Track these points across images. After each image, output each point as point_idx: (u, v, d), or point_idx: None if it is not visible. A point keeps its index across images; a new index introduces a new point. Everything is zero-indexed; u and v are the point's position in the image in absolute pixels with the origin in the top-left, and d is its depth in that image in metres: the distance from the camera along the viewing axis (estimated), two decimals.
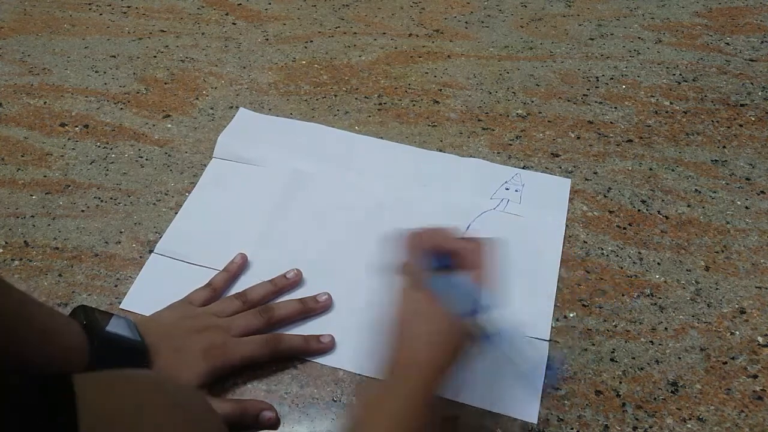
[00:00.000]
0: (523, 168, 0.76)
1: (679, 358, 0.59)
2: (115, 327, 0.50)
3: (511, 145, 0.79)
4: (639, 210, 0.72)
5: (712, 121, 0.83)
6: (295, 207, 0.70)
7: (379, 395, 0.45)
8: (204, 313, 0.57)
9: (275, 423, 0.53)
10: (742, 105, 0.85)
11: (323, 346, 0.58)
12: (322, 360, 0.58)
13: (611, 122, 0.82)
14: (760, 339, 0.60)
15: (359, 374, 0.57)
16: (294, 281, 0.62)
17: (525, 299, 0.62)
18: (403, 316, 0.48)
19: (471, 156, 0.77)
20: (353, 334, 0.60)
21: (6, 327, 0.42)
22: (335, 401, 0.55)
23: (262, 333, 0.57)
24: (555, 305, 0.62)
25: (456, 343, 0.46)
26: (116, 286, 0.63)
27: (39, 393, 0.37)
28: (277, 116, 0.82)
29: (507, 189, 0.73)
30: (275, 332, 0.58)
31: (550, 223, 0.70)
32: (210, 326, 0.55)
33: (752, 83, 0.89)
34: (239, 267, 0.63)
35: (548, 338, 0.59)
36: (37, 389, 0.37)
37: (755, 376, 0.57)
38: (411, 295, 0.48)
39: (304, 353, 0.58)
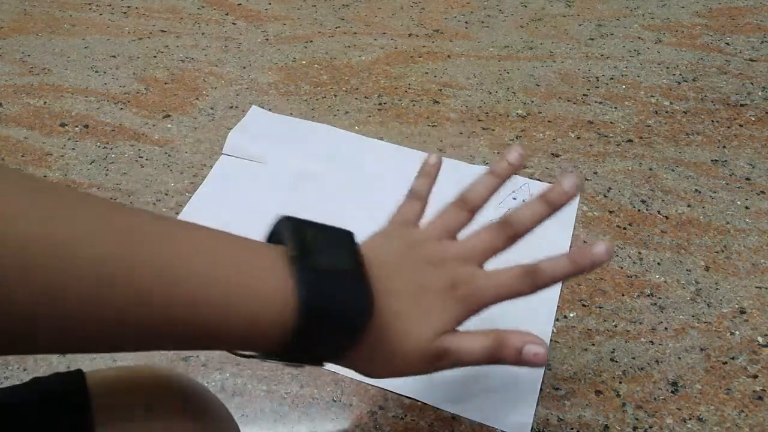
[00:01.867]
0: (523, 168, 0.75)
1: (679, 358, 0.59)
2: (328, 260, 0.32)
3: (511, 145, 0.79)
4: (639, 210, 0.72)
5: (712, 121, 0.83)
6: (301, 206, 0.70)
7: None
8: (430, 238, 0.42)
9: (543, 360, 0.38)
10: (742, 105, 0.85)
11: (600, 254, 0.39)
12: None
13: (611, 122, 0.82)
14: (760, 339, 0.60)
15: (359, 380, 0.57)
16: (519, 164, 0.45)
17: (525, 310, 0.62)
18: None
19: (471, 156, 0.77)
20: None
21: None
22: (335, 401, 0.55)
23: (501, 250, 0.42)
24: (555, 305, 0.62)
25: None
26: None
27: (53, 389, 0.37)
28: (290, 115, 0.82)
29: (515, 199, 0.72)
30: (528, 264, 0.40)
31: (557, 235, 0.69)
32: (447, 256, 0.41)
33: (752, 83, 0.88)
34: (437, 167, 0.48)
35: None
36: (51, 385, 0.37)
37: (755, 376, 0.57)
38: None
39: (577, 273, 0.40)
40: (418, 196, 0.46)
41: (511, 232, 0.41)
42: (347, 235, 0.35)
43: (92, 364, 0.57)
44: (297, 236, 0.33)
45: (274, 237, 0.34)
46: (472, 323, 0.40)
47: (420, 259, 0.40)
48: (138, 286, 0.25)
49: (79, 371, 0.37)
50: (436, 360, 0.38)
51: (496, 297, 0.40)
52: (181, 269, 0.27)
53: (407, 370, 0.38)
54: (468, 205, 0.44)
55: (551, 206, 0.41)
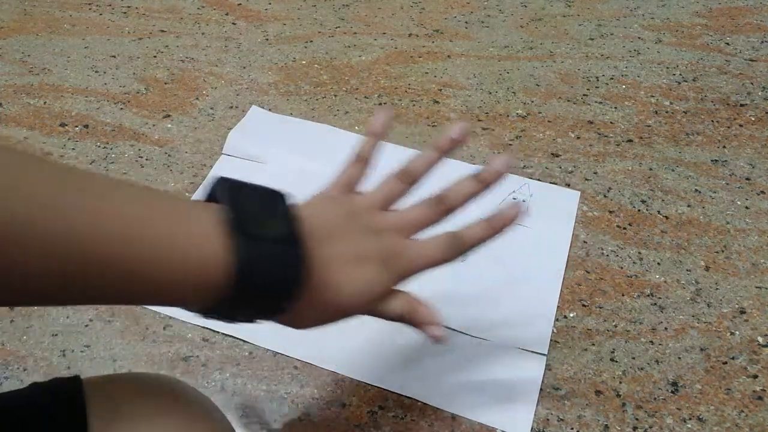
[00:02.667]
0: (523, 168, 0.76)
1: (679, 358, 0.59)
2: (272, 228, 0.33)
3: (511, 145, 0.79)
4: (639, 210, 0.72)
5: (712, 121, 0.83)
6: None
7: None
8: (371, 207, 0.44)
9: (441, 341, 0.43)
10: (742, 105, 0.85)
11: (510, 215, 0.44)
12: (325, 365, 0.58)
13: (611, 122, 0.82)
14: (760, 339, 0.60)
15: (359, 380, 0.57)
16: (460, 139, 0.46)
17: (524, 311, 0.62)
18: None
19: (471, 156, 0.77)
20: (355, 338, 0.60)
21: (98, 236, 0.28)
22: (335, 401, 0.55)
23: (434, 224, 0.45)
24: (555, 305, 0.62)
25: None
26: None
27: (49, 395, 0.37)
28: (290, 115, 0.82)
29: (514, 199, 0.72)
30: (451, 232, 0.44)
31: (556, 236, 0.68)
32: (383, 228, 0.43)
33: (752, 83, 0.89)
34: (385, 125, 0.47)
35: (545, 352, 0.59)
36: (47, 391, 0.38)
37: (755, 376, 0.57)
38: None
39: (493, 236, 0.44)
40: (362, 159, 0.47)
41: (443, 207, 0.44)
42: (284, 199, 0.36)
43: (92, 364, 0.57)
44: (234, 200, 0.33)
45: (211, 199, 0.35)
46: None
47: (358, 226, 0.42)
48: (73, 229, 0.26)
49: (76, 377, 0.38)
50: (357, 313, 0.41)
51: (425, 266, 0.43)
52: (117, 218, 0.28)
53: (332, 321, 0.40)
54: (408, 178, 0.46)
55: (483, 184, 0.45)
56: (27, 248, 0.25)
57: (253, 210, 0.34)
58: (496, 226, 0.44)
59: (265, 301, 0.34)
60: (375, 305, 0.41)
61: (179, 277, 0.30)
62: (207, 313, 0.34)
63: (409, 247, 0.43)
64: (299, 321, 0.39)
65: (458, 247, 0.44)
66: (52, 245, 0.26)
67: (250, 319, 0.35)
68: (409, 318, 0.42)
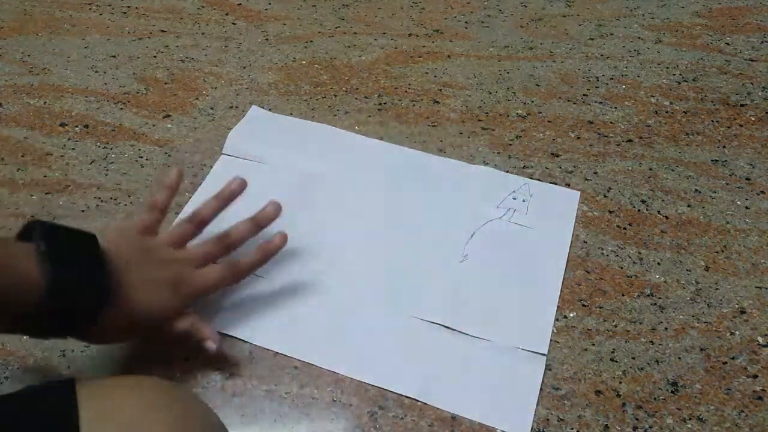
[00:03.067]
0: (523, 168, 0.76)
1: (679, 358, 0.59)
2: (74, 254, 0.44)
3: (511, 145, 0.79)
4: (639, 210, 0.72)
5: (712, 121, 0.83)
6: (300, 207, 0.70)
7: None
8: (161, 245, 0.55)
9: (212, 350, 0.54)
10: (742, 105, 0.85)
11: (277, 244, 0.59)
12: (325, 365, 0.58)
13: (611, 122, 0.82)
14: (760, 339, 0.60)
15: (359, 380, 0.57)
16: (237, 190, 0.60)
17: (524, 311, 0.62)
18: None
19: (471, 156, 0.77)
20: (353, 337, 0.60)
21: None
22: (335, 401, 0.55)
23: (222, 258, 0.57)
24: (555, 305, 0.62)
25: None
26: None
27: (41, 397, 0.38)
28: (290, 115, 0.82)
29: (514, 199, 0.72)
30: (230, 260, 0.57)
31: (556, 236, 0.68)
32: (173, 260, 0.54)
33: (752, 83, 0.89)
34: (177, 182, 0.59)
35: (545, 352, 0.58)
36: (41, 393, 0.38)
37: (755, 376, 0.57)
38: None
39: (264, 261, 0.59)
40: (157, 208, 0.57)
41: (227, 242, 0.57)
42: (90, 237, 0.46)
43: (92, 364, 0.57)
44: (46, 235, 0.43)
45: (25, 235, 0.44)
46: None
47: (152, 259, 0.52)
48: None
49: (71, 380, 0.39)
50: (150, 331, 0.52)
51: (208, 289, 0.55)
52: None
53: (129, 337, 0.54)
54: (194, 220, 0.57)
55: (258, 226, 0.59)
56: None
57: (63, 243, 0.44)
58: (268, 251, 0.59)
59: (74, 316, 0.43)
60: (167, 323, 0.52)
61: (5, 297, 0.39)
62: (28, 327, 0.43)
63: (194, 275, 0.54)
64: (101, 336, 0.48)
65: (235, 274, 0.56)
66: None
67: (62, 334, 0.45)
68: (194, 334, 0.53)
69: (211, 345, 0.53)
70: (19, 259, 0.41)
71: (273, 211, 0.60)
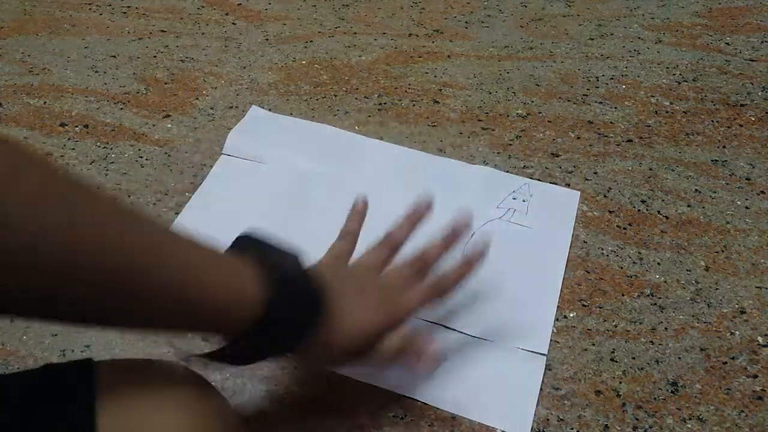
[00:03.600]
0: (523, 168, 0.76)
1: (679, 358, 0.59)
2: (294, 268, 0.43)
3: (511, 145, 0.79)
4: (639, 210, 0.72)
5: (712, 121, 0.83)
6: (300, 207, 0.70)
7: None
8: (363, 270, 0.54)
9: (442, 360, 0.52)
10: (742, 105, 0.85)
11: (478, 253, 0.55)
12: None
13: (611, 122, 0.82)
14: (760, 339, 0.60)
15: (360, 380, 0.57)
16: (422, 212, 0.58)
17: (524, 311, 0.62)
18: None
19: (471, 156, 0.77)
20: None
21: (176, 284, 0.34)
22: (335, 401, 0.55)
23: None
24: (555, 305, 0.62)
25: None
26: None
27: (61, 376, 0.38)
28: (290, 115, 0.82)
29: (514, 199, 0.72)
30: (433, 281, 0.54)
31: (556, 236, 0.68)
32: (376, 285, 0.52)
33: (752, 83, 0.89)
34: (365, 208, 0.59)
35: (545, 352, 0.58)
36: (59, 372, 0.38)
37: (755, 376, 0.57)
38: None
39: (469, 273, 0.55)
40: (351, 236, 0.57)
41: (421, 265, 0.54)
42: (298, 256, 0.45)
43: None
44: (262, 252, 0.42)
45: (238, 246, 0.43)
46: None
47: (357, 284, 0.51)
48: (159, 279, 0.33)
49: (89, 360, 0.39)
50: (361, 354, 0.48)
51: (412, 310, 0.52)
52: (180, 268, 0.35)
53: (341, 361, 0.49)
54: (390, 245, 0.56)
55: (450, 243, 0.55)
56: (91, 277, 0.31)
57: (278, 261, 0.42)
58: (471, 263, 0.55)
59: (291, 331, 0.41)
60: (374, 341, 0.48)
61: (219, 315, 0.37)
62: (238, 346, 0.41)
63: (400, 299, 0.51)
64: (313, 356, 0.46)
65: (440, 289, 0.53)
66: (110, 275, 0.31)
67: (272, 352, 0.43)
68: (410, 346, 0.50)
69: (437, 349, 0.50)
70: (238, 275, 0.39)
71: (464, 223, 0.56)
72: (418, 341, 0.50)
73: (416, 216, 0.58)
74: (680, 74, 0.90)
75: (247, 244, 0.43)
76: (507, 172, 0.75)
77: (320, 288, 0.44)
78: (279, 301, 0.39)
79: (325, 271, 0.48)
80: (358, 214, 0.59)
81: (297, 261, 0.44)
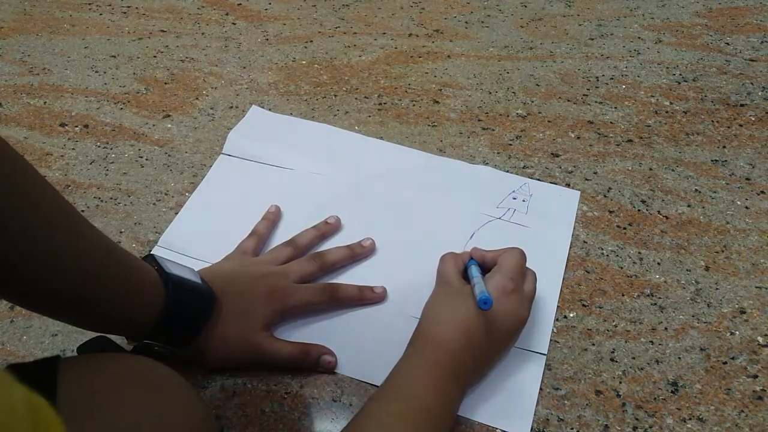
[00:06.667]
0: (523, 168, 0.76)
1: (679, 358, 0.59)
2: (180, 272, 0.51)
3: (511, 145, 0.79)
4: (639, 210, 0.72)
5: (712, 121, 0.83)
6: (300, 207, 0.70)
7: (398, 367, 0.50)
8: (261, 261, 0.60)
9: (334, 367, 0.56)
10: (742, 105, 0.85)
11: (376, 296, 0.61)
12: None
13: (611, 122, 0.82)
14: (760, 339, 0.60)
15: (360, 380, 0.57)
16: (335, 226, 0.66)
17: None
18: (434, 301, 0.55)
19: (471, 156, 0.77)
20: (356, 337, 0.60)
21: (97, 264, 0.44)
22: (335, 401, 0.55)
23: (317, 278, 0.61)
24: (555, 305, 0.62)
25: (476, 333, 0.51)
26: None
27: (21, 372, 0.38)
28: (290, 115, 0.82)
29: (514, 198, 0.72)
30: (331, 281, 0.61)
31: (556, 236, 0.68)
32: (270, 272, 0.58)
33: (752, 83, 0.89)
34: (276, 215, 0.68)
35: (545, 352, 0.58)
36: (21, 368, 0.38)
37: (755, 376, 0.57)
38: (445, 286, 0.56)
39: (359, 302, 0.60)
40: (258, 234, 0.64)
41: (319, 262, 0.61)
42: (191, 269, 0.54)
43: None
44: (161, 263, 0.51)
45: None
46: None
47: (248, 273, 0.57)
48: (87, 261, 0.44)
49: (55, 357, 0.39)
50: (256, 353, 0.54)
51: (302, 304, 0.58)
52: (101, 263, 0.45)
53: (235, 357, 0.55)
54: (294, 245, 0.62)
55: (353, 255, 0.63)
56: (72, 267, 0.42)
57: (174, 269, 0.51)
58: (367, 297, 0.61)
59: (185, 322, 0.50)
60: (261, 344, 0.55)
61: (135, 300, 0.47)
62: (143, 335, 0.49)
63: (290, 287, 0.57)
64: (206, 352, 0.53)
65: (331, 296, 0.59)
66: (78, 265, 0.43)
67: (174, 341, 0.50)
68: (302, 361, 0.56)
69: (329, 359, 0.56)
70: (145, 269, 0.49)
71: (370, 246, 0.64)
72: (311, 349, 0.56)
73: (323, 229, 0.65)
74: (680, 74, 0.90)
75: (150, 260, 0.52)
76: (507, 172, 0.75)
77: (210, 289, 0.52)
78: (176, 297, 0.48)
79: (217, 268, 0.58)
80: (268, 219, 0.67)
81: (190, 270, 0.53)
